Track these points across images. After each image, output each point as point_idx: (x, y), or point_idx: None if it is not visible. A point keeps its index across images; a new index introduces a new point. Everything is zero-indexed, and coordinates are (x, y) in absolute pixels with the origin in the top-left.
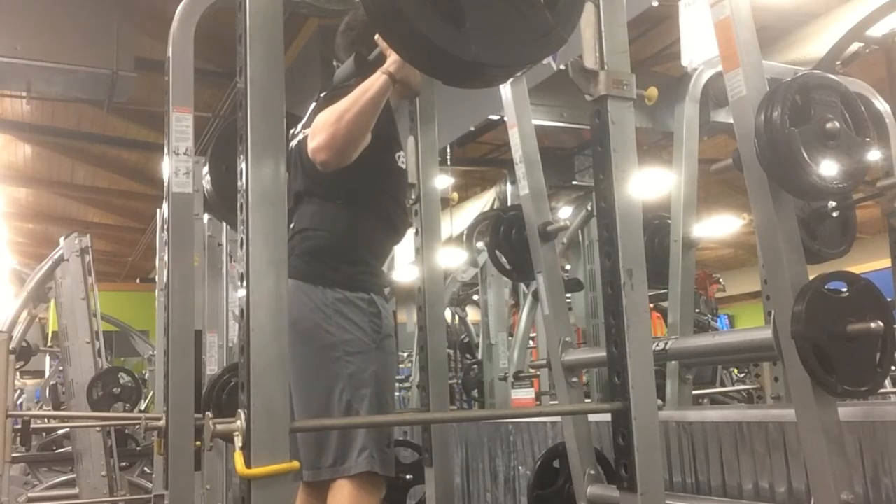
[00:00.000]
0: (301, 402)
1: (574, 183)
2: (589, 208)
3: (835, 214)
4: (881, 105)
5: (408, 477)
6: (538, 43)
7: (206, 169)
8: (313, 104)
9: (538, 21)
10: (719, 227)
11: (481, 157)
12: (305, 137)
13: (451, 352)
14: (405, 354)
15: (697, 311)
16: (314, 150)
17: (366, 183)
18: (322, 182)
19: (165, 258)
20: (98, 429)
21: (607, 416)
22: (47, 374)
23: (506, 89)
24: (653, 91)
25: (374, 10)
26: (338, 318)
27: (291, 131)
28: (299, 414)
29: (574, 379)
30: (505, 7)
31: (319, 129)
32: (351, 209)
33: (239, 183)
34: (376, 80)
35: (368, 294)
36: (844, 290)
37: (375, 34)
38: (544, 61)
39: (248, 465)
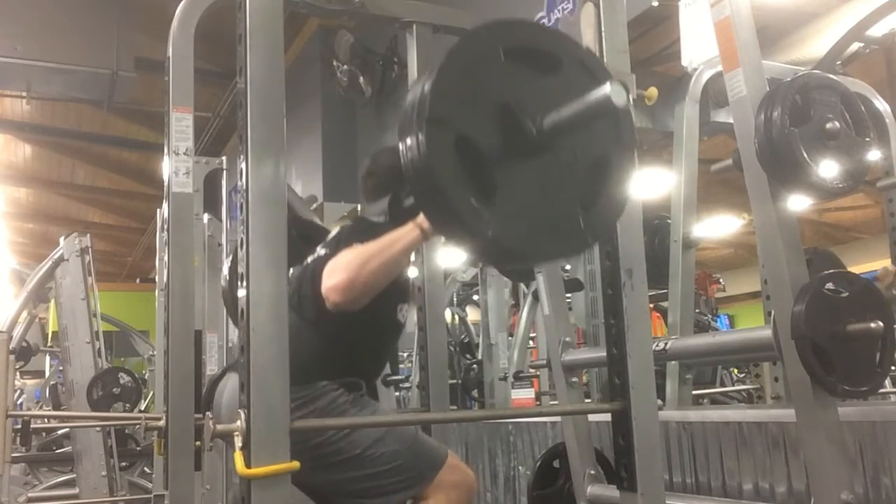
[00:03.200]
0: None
1: None
2: None
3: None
4: (881, 105)
5: None
6: (562, 240)
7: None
8: (337, 229)
9: (568, 218)
10: (719, 227)
11: None
12: (319, 257)
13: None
14: (405, 354)
15: (697, 311)
16: (328, 290)
17: (354, 326)
18: (311, 301)
19: (165, 258)
20: (98, 429)
21: (607, 416)
22: (47, 374)
23: None
24: (653, 91)
25: (412, 175)
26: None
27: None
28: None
29: (574, 379)
30: (540, 201)
31: (340, 269)
32: (324, 340)
33: (239, 183)
34: (408, 234)
35: (331, 381)
36: (844, 290)
37: (396, 182)
38: None
39: (248, 465)
